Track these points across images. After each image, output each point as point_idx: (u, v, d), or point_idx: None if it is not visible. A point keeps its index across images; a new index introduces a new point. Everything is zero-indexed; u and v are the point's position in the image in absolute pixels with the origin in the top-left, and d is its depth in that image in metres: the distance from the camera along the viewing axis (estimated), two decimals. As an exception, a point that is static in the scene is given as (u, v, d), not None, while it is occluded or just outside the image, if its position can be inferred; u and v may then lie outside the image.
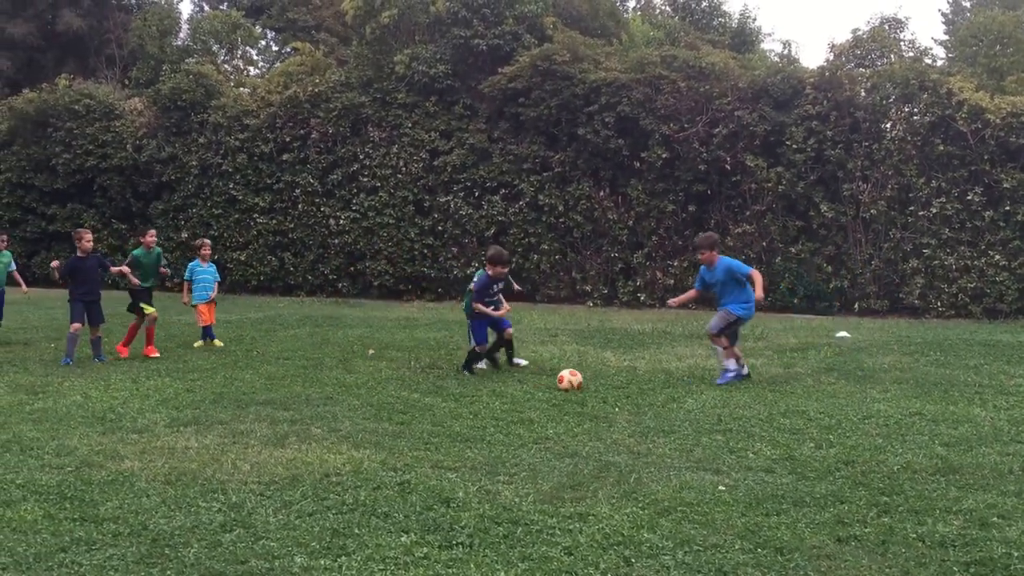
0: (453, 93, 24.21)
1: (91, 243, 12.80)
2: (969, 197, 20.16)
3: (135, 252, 13.87)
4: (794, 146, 21.22)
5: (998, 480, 6.96)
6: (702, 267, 12.11)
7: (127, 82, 35.19)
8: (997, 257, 20.00)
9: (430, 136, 24.07)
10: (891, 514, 6.12)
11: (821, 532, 5.73)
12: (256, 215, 25.16)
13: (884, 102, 21.40)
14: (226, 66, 38.12)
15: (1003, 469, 7.28)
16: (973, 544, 5.53)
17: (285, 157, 25.04)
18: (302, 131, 24.98)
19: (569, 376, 10.71)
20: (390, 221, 24.09)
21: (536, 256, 22.89)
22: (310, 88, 25.04)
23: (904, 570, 5.10)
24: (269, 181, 25.19)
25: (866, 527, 5.84)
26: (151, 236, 14.18)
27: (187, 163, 25.68)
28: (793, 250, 21.35)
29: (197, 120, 25.84)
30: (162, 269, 14.11)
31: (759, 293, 11.43)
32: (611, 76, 22.60)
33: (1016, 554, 5.34)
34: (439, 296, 23.85)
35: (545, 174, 23.09)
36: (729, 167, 21.80)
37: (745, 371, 11.53)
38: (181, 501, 6.18)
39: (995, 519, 6.00)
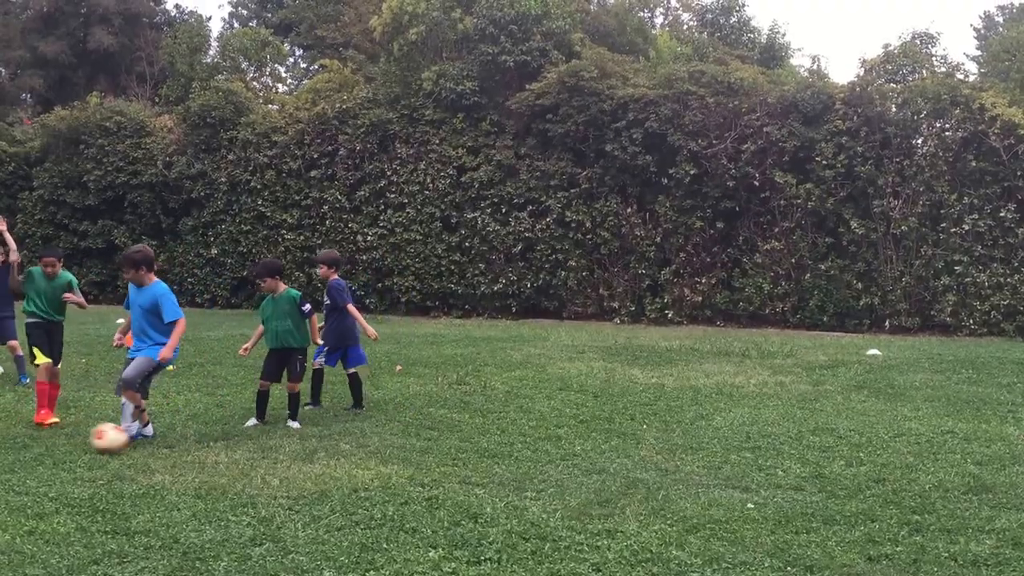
0: (480, 109, 24.29)
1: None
2: (1002, 214, 19.96)
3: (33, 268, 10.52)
4: (824, 162, 21.09)
5: (1032, 499, 6.87)
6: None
7: (157, 99, 35.61)
8: (1031, 274, 19.77)
9: (457, 152, 24.15)
10: (923, 533, 6.06)
11: (851, 550, 5.69)
12: (284, 231, 25.33)
13: (915, 117, 21.24)
14: (255, 83, 38.49)
15: (1037, 488, 7.19)
16: (1006, 564, 5.47)
17: (313, 173, 25.20)
18: (330, 147, 25.14)
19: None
20: (417, 237, 24.17)
21: (563, 272, 22.88)
22: (338, 105, 25.21)
23: (936, 590, 5.05)
24: (297, 197, 25.36)
25: (897, 546, 5.78)
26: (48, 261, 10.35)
27: (216, 179, 25.91)
28: (823, 267, 21.21)
29: (226, 137, 26.07)
30: (68, 296, 10.34)
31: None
32: (639, 92, 22.60)
33: (1051, 575, 5.28)
34: (466, 312, 23.87)
35: (572, 190, 23.09)
36: (758, 183, 21.70)
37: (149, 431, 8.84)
38: (211, 515, 6.22)
39: (1029, 539, 5.92)
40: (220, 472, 7.39)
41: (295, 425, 9.33)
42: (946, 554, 5.63)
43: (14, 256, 11.12)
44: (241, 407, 10.32)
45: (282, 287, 9.84)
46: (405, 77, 25.43)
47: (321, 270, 10.92)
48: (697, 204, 22.23)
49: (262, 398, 9.52)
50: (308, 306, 9.79)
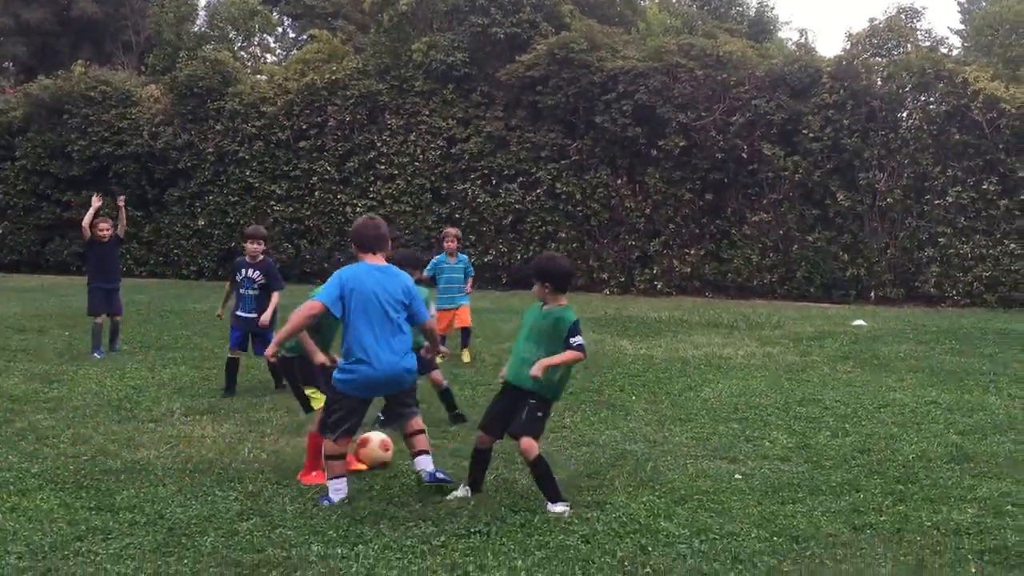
0: (470, 81, 24.18)
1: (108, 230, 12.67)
2: (984, 186, 20.08)
3: None
4: (811, 135, 21.13)
5: (1012, 468, 6.96)
6: None
7: (143, 69, 35.29)
8: (1012, 246, 19.92)
9: (447, 124, 24.06)
10: (906, 502, 6.13)
11: (837, 520, 5.75)
12: (273, 203, 25.20)
13: (900, 91, 21.33)
14: (243, 53, 38.24)
15: (1017, 457, 7.28)
16: (987, 532, 5.54)
17: (302, 144, 25.06)
18: (319, 118, 24.99)
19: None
20: (407, 209, 24.10)
21: (553, 244, 22.88)
22: (327, 75, 25.03)
23: (918, 558, 5.12)
24: (286, 168, 25.22)
25: (881, 515, 5.85)
26: None
27: (203, 150, 25.73)
28: (810, 239, 21.29)
29: (214, 107, 25.87)
30: None
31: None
32: (628, 64, 22.53)
33: (1031, 544, 5.35)
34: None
35: (562, 162, 23.06)
36: (746, 155, 21.74)
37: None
38: (198, 490, 6.22)
39: (1009, 507, 6.01)
40: (207, 446, 7.39)
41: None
42: (929, 523, 5.70)
43: (121, 229, 12.57)
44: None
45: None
46: (395, 48, 25.26)
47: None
48: (686, 176, 22.24)
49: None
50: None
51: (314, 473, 6.53)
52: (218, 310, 10.08)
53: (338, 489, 5.99)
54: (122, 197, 13.19)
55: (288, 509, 5.83)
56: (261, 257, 9.95)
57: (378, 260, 6.26)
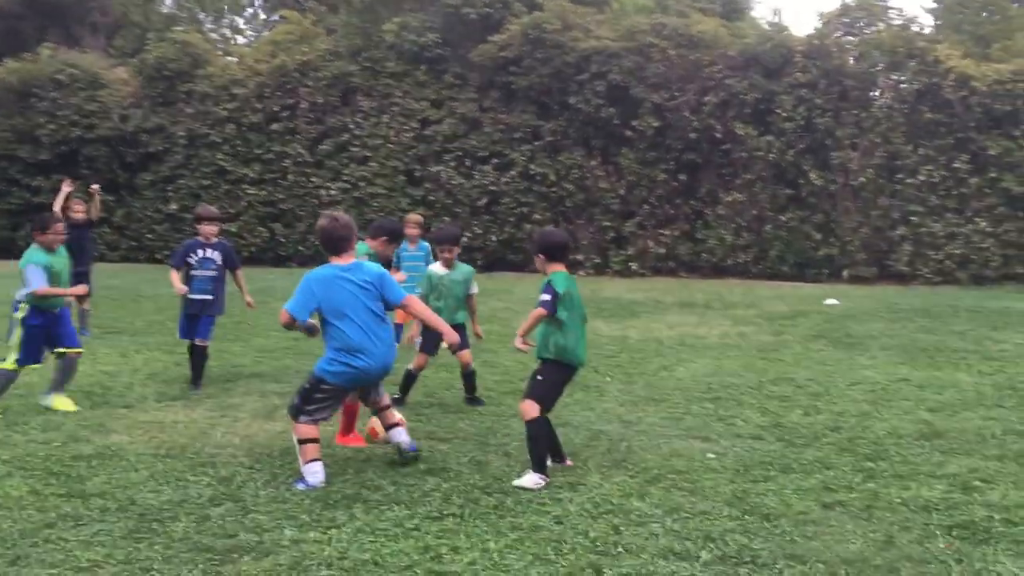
0: (443, 62, 24.08)
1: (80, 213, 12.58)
2: (956, 164, 20.25)
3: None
4: (784, 114, 21.20)
5: (981, 444, 7.04)
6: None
7: (112, 51, 34.85)
8: (983, 224, 20.11)
9: (420, 105, 23.97)
10: (876, 479, 6.18)
11: (807, 498, 5.79)
12: (246, 186, 25.04)
13: (872, 70, 21.44)
14: (213, 35, 37.87)
15: (986, 434, 7.36)
16: (955, 508, 5.60)
17: (274, 127, 24.89)
18: (291, 101, 24.82)
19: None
20: (381, 191, 24.01)
21: (528, 226, 22.87)
22: (298, 57, 24.85)
23: (888, 535, 5.16)
24: (258, 151, 25.05)
25: (851, 492, 5.90)
26: None
27: (174, 133, 25.50)
28: (783, 218, 21.40)
29: (184, 90, 25.63)
30: None
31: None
32: (602, 44, 22.51)
33: (997, 517, 5.42)
34: (430, 266, 23.82)
35: (536, 143, 23.04)
36: (719, 136, 21.79)
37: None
38: (169, 475, 6.18)
39: (977, 483, 6.07)
40: (179, 432, 7.35)
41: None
42: (898, 499, 5.75)
43: (94, 213, 12.67)
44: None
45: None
46: (367, 29, 25.11)
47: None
48: (660, 156, 22.28)
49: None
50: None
51: (352, 434, 7.03)
52: (180, 289, 9.52)
53: (314, 472, 6.00)
54: (96, 185, 13.10)
55: (261, 494, 5.81)
56: (215, 239, 9.66)
57: (344, 260, 6.37)
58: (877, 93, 21.66)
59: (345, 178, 24.32)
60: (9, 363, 8.02)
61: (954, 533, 5.20)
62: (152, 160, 25.94)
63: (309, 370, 6.46)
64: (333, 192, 24.28)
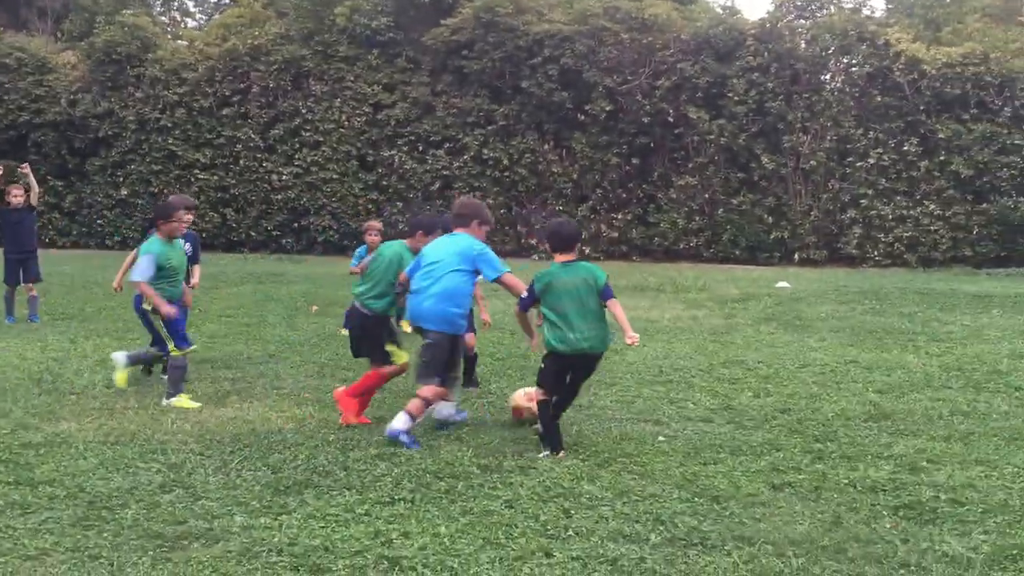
0: (395, 46, 23.92)
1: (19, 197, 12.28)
2: (905, 148, 20.52)
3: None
4: (735, 98, 21.35)
5: (928, 425, 7.16)
6: None
7: (60, 35, 34.17)
8: (932, 207, 20.42)
9: (373, 90, 23.81)
10: (824, 460, 6.27)
11: (757, 480, 5.86)
12: (197, 171, 24.72)
13: (824, 54, 21.63)
14: (162, 18, 37.27)
15: (933, 415, 7.49)
16: (903, 488, 5.69)
17: (225, 112, 24.59)
18: (242, 85, 24.53)
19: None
20: (334, 176, 23.84)
21: (481, 210, 22.83)
22: (249, 41, 24.55)
23: (835, 515, 5.24)
24: (209, 136, 24.74)
25: (800, 474, 5.97)
26: None
27: (124, 118, 25.09)
28: (735, 202, 21.57)
29: (133, 74, 25.21)
30: None
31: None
32: (554, 28, 22.49)
33: (943, 497, 5.51)
34: (384, 251, 23.71)
35: (489, 127, 22.99)
36: (672, 119, 21.90)
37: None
38: (119, 462, 6.11)
39: (924, 463, 6.17)
40: (129, 418, 7.26)
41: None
42: (846, 480, 5.84)
43: (34, 197, 12.28)
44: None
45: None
46: (318, 12, 24.85)
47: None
48: (613, 140, 22.34)
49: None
50: None
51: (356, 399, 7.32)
52: (116, 281, 9.36)
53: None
54: (24, 164, 12.75)
55: (211, 480, 5.76)
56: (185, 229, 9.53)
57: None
58: (828, 77, 21.89)
59: (297, 163, 24.11)
60: (173, 350, 7.95)
61: (901, 513, 5.29)
62: (102, 145, 25.51)
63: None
64: (285, 177, 24.07)
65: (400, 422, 6.55)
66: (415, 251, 7.41)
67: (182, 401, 7.75)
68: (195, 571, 4.47)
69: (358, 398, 7.37)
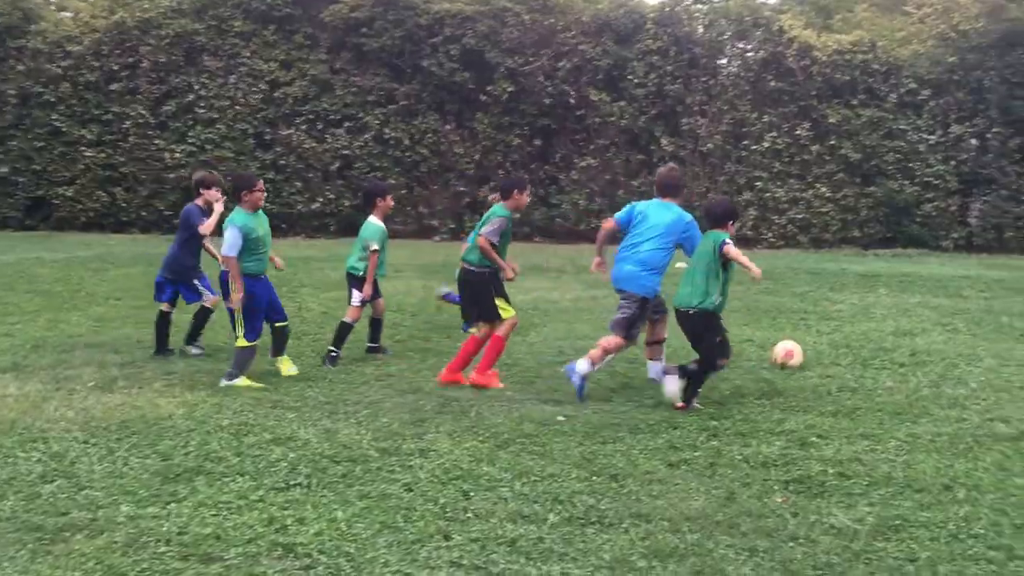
0: (293, 22, 23.42)
1: None
2: (798, 132, 21.02)
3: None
4: (636, 80, 21.55)
5: (817, 402, 7.34)
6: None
7: (-65, 4, 32.59)
8: (823, 189, 20.98)
9: (269, 66, 23.28)
10: (719, 437, 6.37)
11: (654, 458, 5.92)
12: (83, 148, 23.82)
13: (720, 38, 21.98)
14: (47, -11, 35.78)
15: (822, 391, 7.69)
16: (793, 463, 5.82)
17: (113, 87, 23.73)
18: (131, 59, 23.69)
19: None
20: (229, 155, 23.25)
21: (381, 190, 22.59)
22: (138, 13, 23.72)
23: (729, 491, 5.32)
24: (97, 112, 23.86)
25: (696, 451, 6.06)
26: None
27: (4, 92, 24.02)
28: (635, 183, 21.78)
29: (14, 46, 24.14)
30: None
31: None
32: (455, 7, 22.32)
33: (831, 471, 5.65)
34: (283, 232, 23.25)
35: (390, 107, 22.74)
36: (573, 101, 21.99)
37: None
38: (-3, 452, 5.86)
39: (814, 439, 6.32)
40: (8, 406, 6.96)
41: None
42: (739, 456, 5.94)
43: None
44: (33, 336, 9.73)
45: None
46: (211, -15, 24.16)
47: None
48: (515, 122, 22.33)
49: None
50: None
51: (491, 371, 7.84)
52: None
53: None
54: None
55: (96, 469, 5.56)
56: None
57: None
58: (725, 61, 22.26)
59: (191, 141, 23.44)
60: (240, 340, 7.74)
61: (791, 488, 5.41)
62: (-20, 120, 24.40)
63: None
64: (178, 155, 23.38)
65: (582, 365, 7.30)
66: (516, 210, 8.58)
67: (242, 382, 7.67)
68: (77, 564, 4.30)
69: (462, 367, 7.90)
